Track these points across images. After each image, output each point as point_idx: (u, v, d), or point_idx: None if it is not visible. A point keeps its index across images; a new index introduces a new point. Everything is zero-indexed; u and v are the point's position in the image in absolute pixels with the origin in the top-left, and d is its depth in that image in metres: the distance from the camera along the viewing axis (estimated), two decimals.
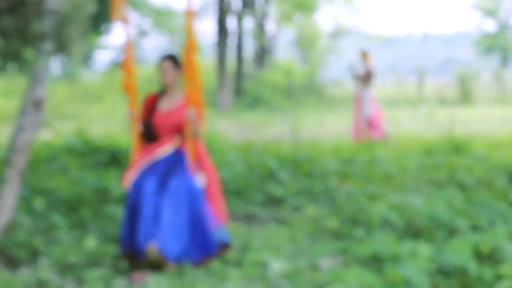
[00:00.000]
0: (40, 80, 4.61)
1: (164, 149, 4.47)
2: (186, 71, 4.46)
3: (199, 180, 4.45)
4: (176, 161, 4.44)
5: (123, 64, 4.57)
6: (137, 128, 4.52)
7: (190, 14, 4.46)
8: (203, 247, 4.35)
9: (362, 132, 10.89)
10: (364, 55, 11.18)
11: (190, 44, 4.45)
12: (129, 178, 4.39)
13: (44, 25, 4.60)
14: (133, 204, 4.33)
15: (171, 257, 4.21)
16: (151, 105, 4.56)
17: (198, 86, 4.49)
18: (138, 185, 4.32)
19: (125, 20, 4.53)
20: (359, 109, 11.13)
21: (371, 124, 11.02)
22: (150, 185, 4.29)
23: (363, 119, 10.93)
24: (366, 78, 10.95)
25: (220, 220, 4.55)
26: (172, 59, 4.56)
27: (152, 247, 4.20)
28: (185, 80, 4.49)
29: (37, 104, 4.58)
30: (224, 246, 4.51)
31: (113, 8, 4.48)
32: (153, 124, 4.49)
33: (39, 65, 4.56)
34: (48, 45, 4.65)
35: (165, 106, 4.56)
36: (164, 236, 4.21)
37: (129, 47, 4.56)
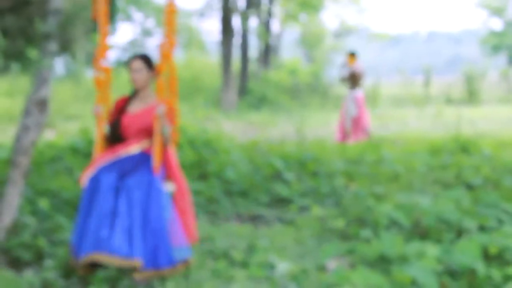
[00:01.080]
0: (44, 80, 4.58)
1: (129, 149, 4.20)
2: (163, 70, 4.21)
3: (167, 186, 4.18)
4: (140, 161, 4.16)
5: (95, 60, 4.38)
6: (103, 126, 4.27)
7: (171, 11, 4.21)
8: (155, 257, 4.01)
9: (347, 133, 10.88)
10: (351, 56, 11.15)
11: (169, 42, 4.21)
12: (87, 174, 4.09)
13: (48, 24, 4.58)
14: (89, 199, 4.03)
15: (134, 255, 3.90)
16: (121, 107, 4.32)
17: (174, 87, 4.24)
18: (95, 181, 4.04)
19: (102, 18, 4.32)
20: (344, 110, 11.11)
21: (356, 125, 10.99)
22: (108, 180, 4.00)
23: (348, 120, 10.90)
24: (352, 79, 10.91)
25: (187, 239, 4.19)
26: (143, 58, 4.26)
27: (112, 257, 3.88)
28: (160, 78, 4.23)
29: (42, 105, 4.55)
30: (183, 262, 4.14)
31: (95, 6, 4.30)
32: (120, 126, 4.23)
33: (44, 65, 4.53)
34: (52, 45, 4.63)
35: (134, 108, 4.28)
36: (121, 244, 3.89)
37: (104, 44, 4.37)
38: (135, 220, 3.96)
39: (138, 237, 3.94)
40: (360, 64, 11.17)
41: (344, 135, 10.98)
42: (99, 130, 4.28)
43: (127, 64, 4.30)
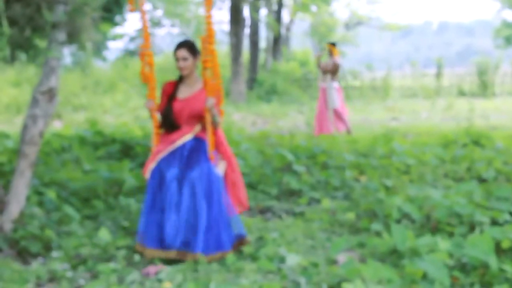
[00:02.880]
0: (52, 70, 4.54)
1: (184, 137, 4.44)
2: (205, 60, 4.41)
3: (220, 168, 4.44)
4: (196, 149, 4.40)
5: (141, 53, 4.51)
6: (156, 117, 4.48)
7: (208, 2, 4.38)
8: (219, 240, 4.30)
9: (328, 125, 10.80)
10: (331, 47, 11.06)
11: (209, 33, 4.39)
12: (149, 166, 4.37)
13: (56, 14, 4.54)
14: (154, 192, 4.31)
15: (196, 250, 4.21)
16: (170, 93, 4.54)
17: (217, 74, 4.46)
18: (159, 173, 4.31)
19: (142, 10, 4.45)
20: (322, 102, 11.02)
21: (338, 116, 10.92)
22: (171, 173, 4.27)
23: (330, 111, 10.83)
24: (333, 70, 10.82)
25: (239, 209, 4.55)
26: (187, 46, 4.49)
27: (189, 254, 4.21)
28: (203, 68, 4.44)
29: (50, 94, 4.52)
30: (241, 240, 4.47)
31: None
32: (172, 112, 4.45)
33: (52, 55, 4.49)
34: (60, 35, 4.59)
35: (183, 93, 4.52)
36: (191, 234, 4.22)
37: (147, 36, 4.50)
38: (199, 213, 4.22)
39: (202, 230, 4.21)
40: (339, 57, 11.10)
41: (321, 127, 10.89)
42: (154, 122, 4.49)
43: (173, 52, 4.51)
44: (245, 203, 4.64)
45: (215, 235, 4.28)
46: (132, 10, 4.46)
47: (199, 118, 4.47)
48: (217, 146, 4.53)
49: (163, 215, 4.25)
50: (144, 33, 4.50)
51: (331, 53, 11.00)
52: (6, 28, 4.58)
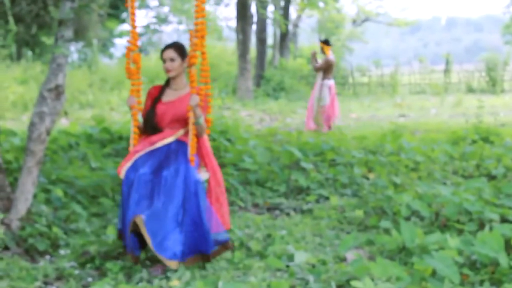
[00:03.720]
0: (59, 67, 4.53)
1: (165, 140, 4.20)
2: (192, 55, 4.18)
3: (202, 174, 4.20)
4: (175, 150, 4.17)
5: (127, 49, 4.35)
6: (137, 116, 4.27)
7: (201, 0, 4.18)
8: (196, 244, 4.05)
9: (318, 121, 10.76)
10: (325, 45, 11.01)
11: (199, 26, 4.17)
12: (125, 165, 4.11)
13: (62, 11, 4.52)
14: (127, 191, 4.04)
15: (168, 255, 3.92)
16: (154, 96, 4.31)
17: (206, 75, 4.24)
18: (134, 173, 4.05)
19: (132, 6, 4.28)
20: (313, 99, 10.98)
21: (327, 113, 10.87)
22: (144, 169, 4.02)
23: (321, 108, 10.78)
24: (325, 67, 10.77)
25: (222, 226, 4.24)
26: (175, 46, 4.27)
27: (139, 218, 3.89)
28: (189, 65, 4.21)
29: (57, 92, 4.51)
30: (223, 245, 4.21)
31: None
32: (155, 115, 4.23)
33: (59, 52, 4.48)
34: (67, 32, 4.57)
35: (168, 96, 4.28)
36: (162, 239, 3.92)
37: (134, 33, 4.32)
38: (171, 213, 3.96)
39: (173, 231, 3.96)
40: (331, 53, 11.04)
41: (313, 123, 10.85)
42: (134, 120, 4.29)
43: (160, 53, 4.31)
44: (227, 221, 4.33)
45: (191, 240, 4.02)
46: (126, 6, 4.32)
47: (183, 122, 4.22)
48: (202, 157, 4.29)
49: (130, 207, 3.97)
50: (132, 30, 4.32)
51: (323, 51, 10.97)
52: (13, 25, 4.57)
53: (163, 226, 3.94)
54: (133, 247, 4.04)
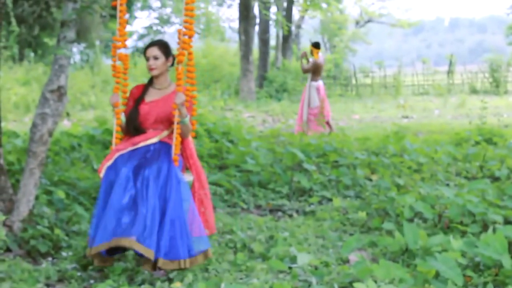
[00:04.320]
0: (62, 68, 4.52)
1: (148, 141, 4.08)
2: (180, 53, 4.06)
3: (186, 177, 4.10)
4: (159, 150, 4.05)
5: (113, 46, 4.25)
6: (119, 115, 4.15)
7: None
8: (175, 247, 3.86)
9: (309, 123, 10.75)
10: (315, 48, 11.03)
11: (188, 30, 4.08)
12: (105, 164, 3.99)
13: (65, 12, 4.52)
14: (107, 192, 3.89)
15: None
16: (137, 96, 4.19)
17: (192, 75, 4.14)
18: (114, 172, 3.93)
19: (121, 5, 4.18)
20: (304, 101, 10.97)
21: (316, 116, 10.85)
22: (126, 169, 3.88)
23: (311, 110, 10.77)
24: (313, 69, 10.78)
25: (204, 230, 4.07)
26: (160, 45, 4.15)
27: (128, 241, 3.73)
28: (177, 62, 4.10)
29: (59, 93, 4.50)
30: (204, 253, 4.00)
31: None
32: (138, 115, 4.10)
33: (61, 53, 4.47)
34: (69, 33, 4.56)
35: (152, 96, 4.17)
36: (141, 232, 3.76)
37: (122, 30, 4.21)
38: (152, 212, 3.81)
39: (155, 230, 3.79)
40: (321, 55, 11.04)
41: (303, 125, 10.85)
42: (116, 119, 4.18)
43: (143, 51, 4.20)
44: (211, 225, 4.22)
45: (169, 241, 3.84)
46: (113, 5, 4.21)
47: (167, 123, 4.11)
48: (186, 159, 4.18)
49: (114, 216, 3.79)
50: (118, 27, 4.22)
51: (312, 54, 11.00)
52: (15, 27, 4.56)
53: (147, 228, 3.78)
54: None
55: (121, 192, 3.82)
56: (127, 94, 4.25)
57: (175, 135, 4.03)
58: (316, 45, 11.08)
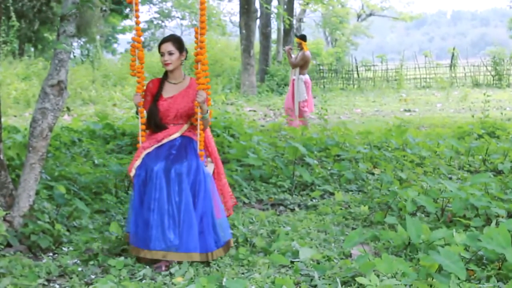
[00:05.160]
0: (62, 63, 4.49)
1: (171, 137, 4.23)
2: (197, 52, 4.21)
3: (209, 168, 4.26)
4: (184, 145, 4.20)
5: (132, 46, 4.36)
6: (143, 114, 4.30)
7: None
8: (205, 240, 4.06)
9: (295, 115, 10.74)
10: (302, 40, 10.99)
11: (202, 24, 4.18)
12: (134, 164, 4.13)
13: (65, 6, 4.48)
14: (141, 190, 4.06)
15: (182, 249, 4.00)
16: (154, 92, 4.30)
17: (205, 67, 4.26)
18: (144, 170, 4.07)
19: (135, 2, 4.27)
20: (291, 95, 10.95)
21: (301, 108, 10.84)
22: (157, 168, 4.02)
23: (296, 103, 10.75)
24: (301, 63, 10.74)
25: (226, 211, 4.38)
26: (173, 39, 4.27)
27: (175, 254, 3.99)
28: (195, 61, 4.24)
29: (59, 88, 4.47)
30: (226, 244, 4.22)
31: None
32: (158, 112, 4.23)
33: (61, 48, 4.44)
34: (69, 27, 4.53)
35: (169, 92, 4.29)
36: (178, 233, 3.99)
37: (139, 29, 4.32)
38: (186, 210, 3.99)
39: (189, 229, 4.00)
40: (308, 50, 11.03)
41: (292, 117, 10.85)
42: (141, 118, 4.33)
43: (158, 47, 4.31)
44: (229, 206, 4.46)
45: (201, 235, 4.05)
46: (129, 2, 4.32)
47: (186, 117, 4.27)
48: (206, 147, 4.35)
49: (150, 213, 3.98)
50: (136, 27, 4.32)
51: (300, 47, 10.96)
52: (15, 21, 4.52)
53: (185, 225, 3.99)
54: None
55: (154, 195, 3.99)
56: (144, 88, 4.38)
57: (198, 131, 4.23)
58: (303, 38, 11.10)
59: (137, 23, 4.32)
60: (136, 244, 4.06)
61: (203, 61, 4.24)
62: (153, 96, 4.30)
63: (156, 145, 4.18)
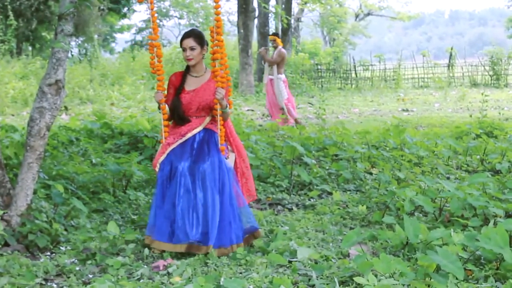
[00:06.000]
0: (59, 62, 4.48)
1: (194, 130, 4.37)
2: (215, 51, 4.35)
3: (230, 160, 4.40)
4: (206, 140, 4.35)
5: (150, 44, 4.45)
6: (166, 110, 4.42)
7: None
8: (230, 233, 4.24)
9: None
10: (274, 37, 11.00)
11: (217, 23, 4.31)
12: (159, 159, 4.30)
13: (63, 5, 4.47)
14: (164, 185, 4.23)
15: (209, 243, 4.15)
16: (177, 85, 4.46)
17: (225, 65, 4.40)
18: (169, 166, 4.24)
19: (150, 0, 4.39)
20: (272, 94, 10.95)
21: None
22: (182, 166, 4.20)
23: (282, 104, 10.77)
24: (279, 59, 10.75)
25: (248, 199, 4.54)
26: (194, 35, 4.40)
27: (200, 247, 4.13)
28: (212, 59, 4.39)
29: (57, 87, 4.46)
30: (253, 232, 4.42)
31: None
32: (181, 104, 4.39)
33: (59, 46, 4.43)
34: (67, 26, 4.52)
35: (191, 85, 4.45)
36: (203, 227, 4.14)
37: (155, 27, 4.44)
38: (211, 206, 4.14)
39: (215, 223, 4.14)
40: (282, 48, 11.05)
41: (275, 118, 10.87)
42: (163, 115, 4.44)
43: (179, 42, 4.45)
44: (253, 192, 4.63)
45: (227, 228, 4.21)
46: (140, 1, 4.41)
47: (208, 109, 4.42)
48: (226, 136, 4.49)
49: (174, 208, 4.16)
50: (152, 24, 4.43)
51: (275, 44, 10.95)
52: (12, 20, 4.51)
53: (209, 220, 4.13)
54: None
55: (178, 191, 4.15)
56: (165, 88, 4.49)
57: (219, 126, 4.37)
58: (277, 35, 11.17)
59: (153, 21, 4.40)
60: (157, 238, 4.18)
61: (222, 60, 4.36)
62: (175, 89, 4.44)
63: (180, 140, 4.32)
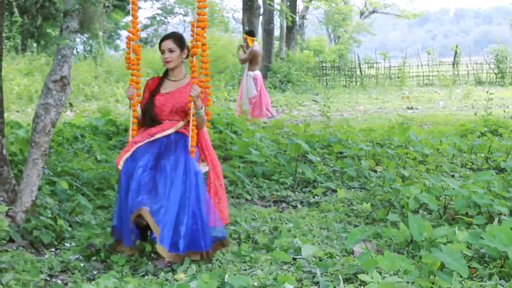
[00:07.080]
0: (65, 58, 4.49)
1: (164, 132, 4.13)
2: (193, 45, 4.12)
3: (202, 167, 4.16)
4: (175, 141, 4.11)
5: (128, 38, 4.28)
6: (136, 106, 4.22)
7: None
8: (194, 239, 3.96)
9: (251, 111, 10.77)
10: (249, 36, 11.02)
11: (201, 19, 4.10)
12: (123, 156, 4.05)
13: (68, 2, 4.48)
14: (126, 181, 3.95)
15: (165, 242, 3.86)
16: (152, 88, 4.24)
17: (206, 67, 4.19)
18: (132, 163, 3.99)
19: None
20: (242, 91, 10.99)
21: (254, 104, 10.86)
22: (144, 161, 3.96)
23: (249, 100, 10.78)
24: (250, 59, 10.78)
25: (220, 220, 4.18)
26: (175, 38, 4.21)
27: (143, 210, 3.83)
28: (190, 54, 4.16)
29: (62, 84, 4.47)
30: (222, 240, 4.17)
31: None
32: (153, 106, 4.16)
33: (64, 43, 4.44)
34: (72, 23, 4.52)
35: (167, 88, 4.22)
36: (156, 209, 3.85)
37: (135, 22, 4.27)
38: (172, 203, 3.88)
39: (171, 223, 3.87)
40: (256, 44, 11.05)
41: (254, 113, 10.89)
42: (133, 111, 4.25)
43: (158, 44, 4.25)
44: (225, 215, 4.30)
45: (189, 232, 3.93)
46: None
47: (182, 114, 4.16)
48: (202, 150, 4.24)
49: (137, 192, 3.87)
50: (132, 19, 4.26)
51: (247, 42, 11.02)
52: (18, 17, 4.52)
53: (165, 218, 3.87)
54: (135, 238, 4.02)
55: (141, 175, 3.90)
56: (140, 85, 4.29)
57: (191, 127, 4.11)
58: (250, 34, 11.21)
59: (134, 15, 4.25)
60: (121, 239, 4.03)
61: (203, 59, 4.15)
62: (151, 93, 4.23)
63: (148, 140, 4.09)
